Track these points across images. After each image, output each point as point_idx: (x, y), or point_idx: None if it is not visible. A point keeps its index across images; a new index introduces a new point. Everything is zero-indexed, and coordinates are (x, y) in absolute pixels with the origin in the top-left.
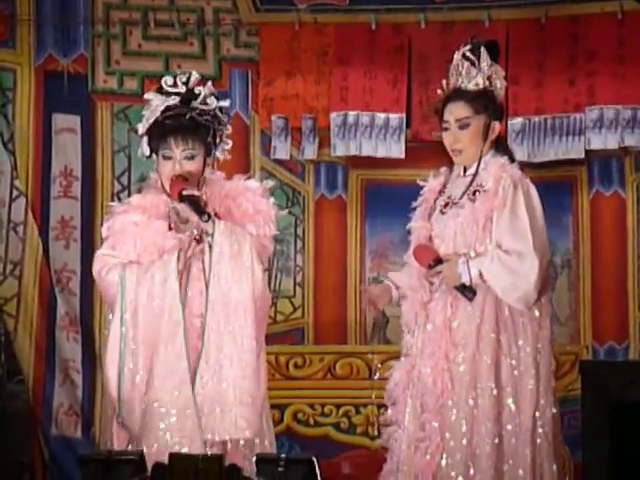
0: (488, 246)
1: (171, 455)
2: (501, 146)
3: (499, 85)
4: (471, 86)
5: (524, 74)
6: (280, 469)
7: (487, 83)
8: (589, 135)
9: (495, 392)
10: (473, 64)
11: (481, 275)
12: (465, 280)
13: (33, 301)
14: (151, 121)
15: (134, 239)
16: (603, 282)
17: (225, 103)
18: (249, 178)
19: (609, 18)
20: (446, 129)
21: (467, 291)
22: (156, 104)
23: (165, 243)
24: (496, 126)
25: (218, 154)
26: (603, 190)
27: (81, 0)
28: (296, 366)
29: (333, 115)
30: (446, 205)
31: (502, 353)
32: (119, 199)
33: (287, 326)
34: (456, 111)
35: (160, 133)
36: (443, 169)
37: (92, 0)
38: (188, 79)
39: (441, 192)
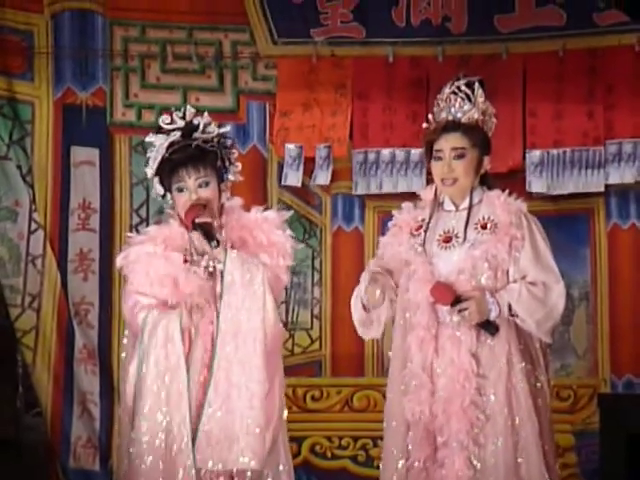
0: (509, 279)
1: None
2: (488, 181)
3: (490, 121)
4: (465, 119)
5: (542, 106)
6: None
7: (481, 118)
8: (608, 169)
9: (537, 424)
10: (468, 98)
11: (510, 309)
12: (494, 315)
13: (51, 334)
14: (158, 160)
15: (147, 270)
16: (621, 315)
17: (225, 129)
18: (266, 209)
19: (626, 50)
20: (439, 158)
21: (491, 327)
22: (159, 143)
23: (179, 275)
24: (486, 161)
25: (230, 177)
26: (621, 222)
27: (100, 33)
28: (313, 399)
29: (354, 152)
30: (448, 240)
31: (530, 383)
32: (137, 231)
33: (304, 358)
34: (453, 141)
35: (170, 168)
36: (407, 204)
37: (111, 33)
38: (184, 114)
39: (422, 227)
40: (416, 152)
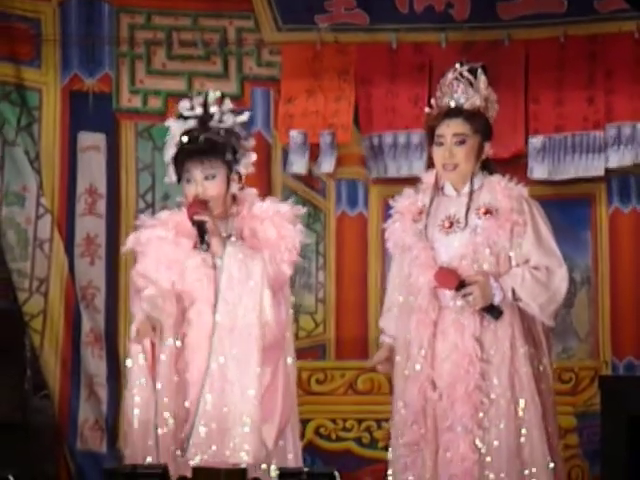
0: (513, 263)
1: (195, 469)
2: (489, 167)
3: (492, 108)
4: (468, 105)
5: (544, 93)
6: None
7: (483, 104)
8: (609, 152)
9: (540, 408)
10: (471, 84)
11: (514, 293)
12: (498, 300)
13: (59, 317)
14: (173, 147)
15: (157, 254)
16: (622, 298)
17: (244, 117)
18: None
19: (626, 37)
20: (440, 144)
21: (494, 311)
22: (175, 130)
23: (187, 261)
24: (487, 147)
25: (241, 169)
26: (622, 206)
27: (106, 20)
28: (318, 382)
29: (363, 138)
30: (450, 225)
31: (533, 366)
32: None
33: (309, 342)
34: (454, 126)
35: (180, 158)
36: (408, 189)
37: (117, 20)
38: (206, 99)
39: (424, 212)
40: (416, 135)
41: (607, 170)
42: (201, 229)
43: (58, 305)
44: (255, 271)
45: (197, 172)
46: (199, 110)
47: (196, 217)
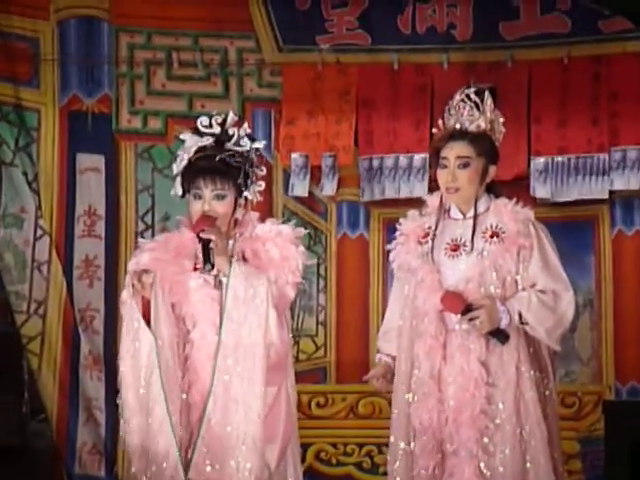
0: (519, 287)
1: None
2: (495, 189)
3: (498, 130)
4: (473, 128)
5: (547, 114)
6: None
7: (489, 127)
8: (613, 176)
9: (547, 435)
10: (477, 107)
11: (521, 317)
12: (505, 323)
13: (57, 340)
14: (185, 161)
15: (158, 276)
16: (625, 321)
17: (260, 145)
18: (283, 222)
19: (631, 58)
20: (444, 166)
21: (501, 335)
22: (189, 144)
23: (189, 282)
24: (492, 170)
25: (249, 195)
26: (625, 229)
27: (105, 40)
28: (318, 405)
29: (360, 159)
30: (456, 248)
31: (539, 391)
32: (143, 238)
33: (309, 365)
34: (458, 149)
35: (192, 173)
36: (412, 212)
37: (116, 40)
38: (224, 120)
39: (429, 235)
40: (419, 157)
41: (610, 192)
42: (206, 247)
43: (56, 327)
44: (261, 290)
45: (207, 190)
46: (217, 129)
47: (203, 235)
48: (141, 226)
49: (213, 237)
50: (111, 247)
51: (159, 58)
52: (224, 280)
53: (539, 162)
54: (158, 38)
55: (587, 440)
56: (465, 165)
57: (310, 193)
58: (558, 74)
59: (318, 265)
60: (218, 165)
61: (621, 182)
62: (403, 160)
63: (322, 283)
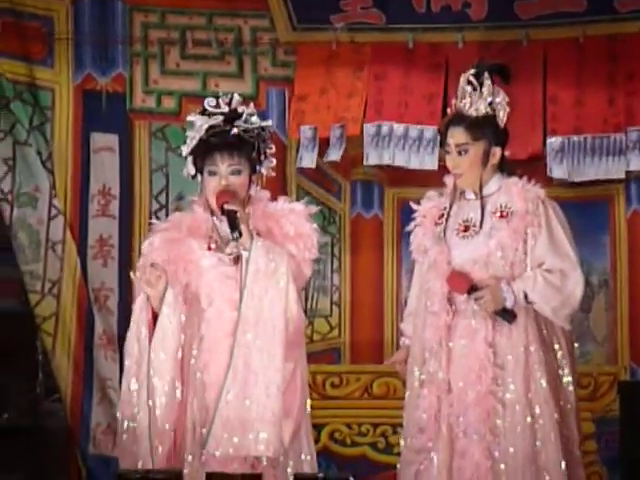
0: (527, 266)
1: (209, 475)
2: (507, 168)
3: (502, 111)
4: (472, 111)
5: (563, 93)
6: None
7: (488, 109)
8: (629, 156)
9: (556, 415)
10: (475, 89)
11: (526, 297)
12: (510, 303)
13: (71, 320)
14: (195, 141)
15: (169, 256)
16: None
17: (268, 123)
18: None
19: None
20: (448, 152)
21: (507, 314)
22: (200, 124)
23: (203, 261)
24: (497, 152)
25: (263, 171)
26: None
27: (119, 19)
28: (333, 385)
29: (367, 126)
30: (466, 229)
31: (549, 371)
32: (157, 218)
33: (324, 345)
34: (456, 136)
35: (205, 150)
36: (432, 192)
37: (130, 19)
38: (230, 100)
39: (444, 216)
40: (429, 129)
41: (626, 172)
42: (231, 218)
43: (70, 307)
44: (281, 265)
45: (223, 166)
46: (225, 108)
47: (227, 206)
48: (155, 205)
49: (236, 208)
50: (125, 227)
51: (173, 37)
52: (245, 254)
53: (555, 141)
54: (172, 17)
55: (602, 421)
56: (463, 152)
57: (324, 173)
58: (574, 53)
59: (332, 245)
60: (233, 140)
61: (638, 162)
62: (413, 131)
63: (336, 263)
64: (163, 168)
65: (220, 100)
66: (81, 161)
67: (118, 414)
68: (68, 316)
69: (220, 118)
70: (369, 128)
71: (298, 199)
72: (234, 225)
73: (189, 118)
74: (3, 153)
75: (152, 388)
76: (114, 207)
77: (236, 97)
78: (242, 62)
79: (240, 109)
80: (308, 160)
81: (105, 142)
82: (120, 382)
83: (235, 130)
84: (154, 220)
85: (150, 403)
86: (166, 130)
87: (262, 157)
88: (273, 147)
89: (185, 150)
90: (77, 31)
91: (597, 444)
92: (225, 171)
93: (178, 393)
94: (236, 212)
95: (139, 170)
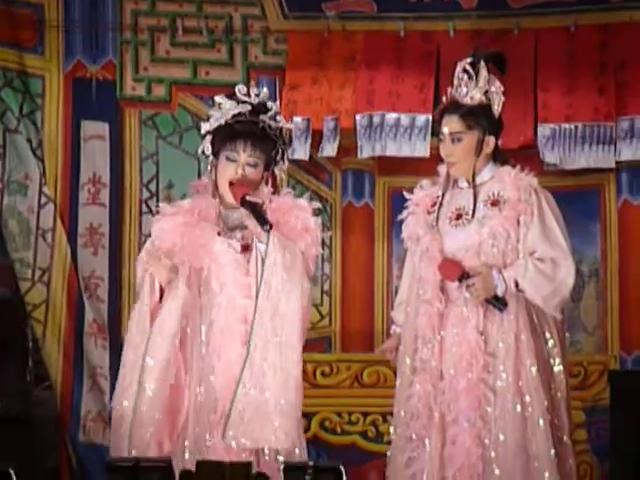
0: (519, 255)
1: (199, 462)
2: (500, 157)
3: (497, 100)
4: (467, 100)
5: (553, 82)
6: (308, 477)
7: (483, 98)
8: (620, 145)
9: (546, 403)
10: (471, 78)
11: (517, 285)
12: (500, 291)
13: (61, 307)
14: (220, 122)
15: (182, 241)
16: (631, 291)
17: (290, 126)
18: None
19: (638, 27)
20: (441, 140)
21: (499, 302)
22: (228, 107)
23: (215, 246)
24: (491, 141)
25: (276, 171)
26: (631, 198)
27: (109, 7)
28: (323, 374)
29: (358, 117)
30: (458, 217)
31: (540, 359)
32: (147, 206)
33: (314, 334)
34: (450, 124)
35: (229, 135)
36: (425, 181)
37: (120, 7)
38: (259, 93)
39: (437, 204)
40: (421, 117)
41: (617, 161)
42: (257, 210)
43: (61, 295)
44: (298, 259)
45: (244, 155)
46: (255, 99)
47: (249, 198)
48: (145, 194)
49: (259, 200)
50: (115, 215)
51: (163, 25)
52: (260, 246)
53: (546, 129)
54: (162, 5)
55: (592, 410)
56: (457, 140)
57: (315, 162)
58: (564, 42)
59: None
60: (258, 131)
61: (629, 152)
62: (405, 119)
63: (327, 252)
64: (153, 156)
65: (251, 90)
66: (71, 149)
67: (112, 403)
68: (58, 304)
69: (248, 107)
70: (361, 119)
71: (289, 187)
72: (262, 217)
73: (217, 99)
74: None
75: (144, 368)
76: (104, 195)
77: (264, 92)
78: (233, 50)
79: (269, 104)
80: (301, 152)
81: (95, 130)
82: (110, 370)
83: (262, 124)
84: (152, 208)
85: (141, 384)
86: (156, 118)
87: (278, 157)
88: (289, 151)
89: (207, 127)
90: (67, 18)
91: (587, 433)
92: (244, 160)
93: (172, 377)
94: (262, 204)
95: (129, 158)
